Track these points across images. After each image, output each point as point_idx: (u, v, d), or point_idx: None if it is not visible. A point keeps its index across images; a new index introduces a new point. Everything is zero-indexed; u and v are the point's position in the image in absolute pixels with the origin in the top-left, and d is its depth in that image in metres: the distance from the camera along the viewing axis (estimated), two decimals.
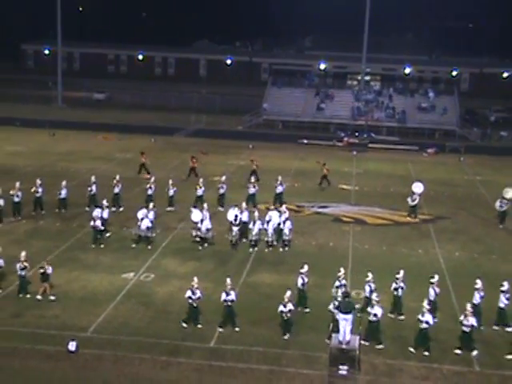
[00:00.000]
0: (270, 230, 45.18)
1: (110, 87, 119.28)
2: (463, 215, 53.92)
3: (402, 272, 34.78)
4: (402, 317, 34.21)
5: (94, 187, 50.24)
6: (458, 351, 31.28)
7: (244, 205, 47.14)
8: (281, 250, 45.04)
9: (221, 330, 32.34)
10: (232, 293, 32.42)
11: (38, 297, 34.72)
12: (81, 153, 65.42)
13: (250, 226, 45.40)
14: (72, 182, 52.58)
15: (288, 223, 45.56)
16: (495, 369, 30.42)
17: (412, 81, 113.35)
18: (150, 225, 44.20)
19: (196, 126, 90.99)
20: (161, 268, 39.23)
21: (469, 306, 31.47)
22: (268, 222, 45.34)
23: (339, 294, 32.39)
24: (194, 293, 32.46)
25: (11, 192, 46.59)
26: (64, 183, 50.18)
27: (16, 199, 46.82)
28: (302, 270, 34.98)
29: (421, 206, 55.18)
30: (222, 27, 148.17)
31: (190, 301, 32.51)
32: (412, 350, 31.26)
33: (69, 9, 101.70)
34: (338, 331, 30.09)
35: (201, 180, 53.86)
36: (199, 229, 44.80)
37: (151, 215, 44.73)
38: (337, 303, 31.52)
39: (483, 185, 62.39)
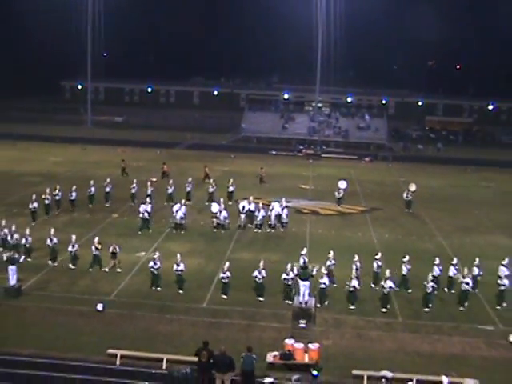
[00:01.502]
0: (273, 217, 46.08)
1: (127, 113, 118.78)
2: (391, 207, 54.16)
3: (379, 254, 35.17)
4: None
5: (92, 189, 49.56)
6: (383, 309, 31.77)
7: (251, 198, 47.53)
8: (281, 230, 45.81)
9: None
10: (227, 273, 32.48)
11: (106, 269, 35.02)
12: (104, 162, 65.33)
13: (256, 213, 46.04)
14: (97, 183, 52.47)
15: (285, 211, 46.72)
16: (413, 319, 31.06)
17: (353, 107, 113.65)
18: (182, 215, 44.34)
19: (191, 141, 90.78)
20: (164, 248, 39.15)
21: (387, 273, 32.00)
22: (271, 211, 46.36)
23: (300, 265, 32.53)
24: (178, 265, 32.93)
25: (54, 192, 46.37)
26: (92, 182, 50.16)
27: (57, 198, 46.50)
28: (302, 252, 34.97)
29: (359, 200, 55.65)
30: (211, 67, 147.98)
31: (179, 273, 32.99)
32: (352, 307, 31.74)
33: (96, 54, 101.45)
34: (299, 294, 30.58)
35: (211, 180, 53.99)
36: (218, 218, 45.14)
37: (183, 209, 44.76)
38: (297, 272, 31.96)
39: (405, 184, 62.55)
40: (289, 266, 32.52)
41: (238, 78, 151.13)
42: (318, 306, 31.51)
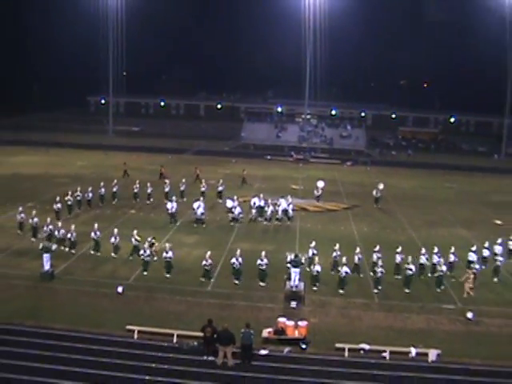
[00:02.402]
0: (280, 211, 46.16)
1: (143, 123, 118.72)
2: (369, 205, 54.03)
3: (378, 246, 34.80)
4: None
5: (114, 188, 49.78)
6: (341, 291, 31.72)
7: (262, 195, 47.78)
8: (288, 223, 45.90)
9: (237, 281, 32.42)
10: (240, 259, 32.52)
11: (155, 258, 34.83)
12: (123, 166, 65.16)
13: (265, 208, 46.35)
14: (124, 183, 52.41)
15: (291, 206, 46.99)
16: (387, 300, 31.13)
17: (336, 119, 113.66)
18: (203, 211, 44.25)
19: (198, 148, 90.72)
20: (176, 239, 39.17)
21: (344, 260, 32.19)
22: (278, 206, 46.45)
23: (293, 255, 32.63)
24: (167, 252, 33.08)
25: (75, 194, 46.15)
26: (115, 181, 50.58)
27: (78, 198, 46.09)
28: (311, 245, 34.77)
29: (342, 198, 55.68)
30: (215, 84, 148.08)
31: (167, 259, 33.03)
32: (341, 291, 31.78)
33: (117, 74, 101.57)
34: (290, 279, 30.64)
35: (221, 181, 53.53)
36: (233, 212, 45.17)
37: (202, 205, 44.67)
38: (289, 260, 32.03)
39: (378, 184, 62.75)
40: (263, 253, 32.72)
41: (238, 94, 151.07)
42: (315, 288, 31.74)
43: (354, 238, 41.67)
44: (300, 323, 25.99)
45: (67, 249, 36.03)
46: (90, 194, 47.27)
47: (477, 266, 33.91)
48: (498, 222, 49.42)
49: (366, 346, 25.25)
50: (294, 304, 29.43)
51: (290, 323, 25.98)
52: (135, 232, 35.95)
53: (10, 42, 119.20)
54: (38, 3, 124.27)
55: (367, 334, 26.61)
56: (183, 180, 53.29)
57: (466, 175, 76.82)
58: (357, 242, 40.00)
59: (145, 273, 33.11)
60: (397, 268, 34.21)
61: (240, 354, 23.94)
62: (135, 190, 50.39)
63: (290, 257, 32.35)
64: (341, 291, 31.83)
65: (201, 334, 24.36)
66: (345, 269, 31.90)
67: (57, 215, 42.08)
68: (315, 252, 34.27)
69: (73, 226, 36.73)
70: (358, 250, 34.85)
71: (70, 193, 45.61)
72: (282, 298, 30.18)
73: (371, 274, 33.95)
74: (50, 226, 37.18)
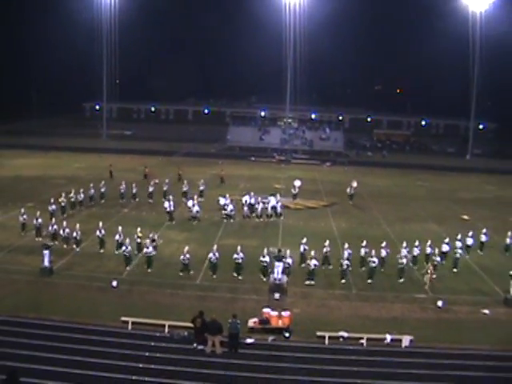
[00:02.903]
0: (269, 208, 46.43)
1: (134, 128, 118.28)
2: (346, 202, 54.15)
3: (365, 242, 34.79)
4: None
5: (103, 189, 49.63)
6: (309, 282, 31.77)
7: (252, 193, 47.66)
8: (280, 218, 46.19)
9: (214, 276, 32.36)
10: (216, 254, 32.45)
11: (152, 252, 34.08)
12: (116, 167, 64.84)
13: (256, 206, 46.48)
14: (111, 184, 52.17)
15: (280, 203, 47.24)
16: (364, 291, 31.32)
17: (316, 122, 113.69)
18: (198, 209, 44.27)
19: (186, 150, 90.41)
20: (166, 236, 39.18)
21: (312, 253, 32.26)
22: (268, 204, 46.63)
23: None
24: (147, 248, 33.08)
25: (69, 195, 45.67)
26: (103, 182, 50.31)
27: (72, 200, 45.49)
28: (302, 241, 34.62)
29: (322, 196, 55.79)
30: (202, 90, 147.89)
31: (148, 254, 32.94)
32: (312, 282, 31.81)
33: (111, 81, 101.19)
34: (273, 272, 30.70)
35: (202, 181, 53.20)
36: (226, 209, 45.16)
37: (196, 205, 44.58)
38: (273, 255, 32.08)
39: (358, 184, 62.91)
40: (239, 247, 32.61)
41: (224, 99, 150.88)
42: (313, 282, 31.74)
43: (333, 234, 41.75)
44: (283, 313, 26.03)
45: (74, 246, 35.83)
46: (82, 195, 46.82)
47: (438, 259, 34.06)
48: (466, 217, 49.83)
49: (345, 334, 25.37)
50: (277, 295, 29.47)
51: (274, 313, 26.01)
52: (138, 230, 35.89)
53: (8, 52, 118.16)
54: (35, 13, 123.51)
55: (346, 323, 26.72)
56: (166, 180, 52.97)
57: (436, 174, 77.35)
58: (336, 237, 40.15)
59: (149, 270, 32.77)
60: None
61: (227, 342, 23.96)
62: (122, 191, 49.94)
63: (271, 251, 32.48)
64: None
65: (190, 325, 24.38)
66: (314, 262, 32.00)
67: (51, 216, 40.88)
68: (306, 248, 34.24)
69: (78, 225, 36.41)
70: (384, 244, 34.76)
71: (63, 194, 45.14)
72: (266, 290, 30.21)
73: (363, 268, 33.99)
74: (55, 226, 36.87)
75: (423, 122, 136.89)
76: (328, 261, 34.22)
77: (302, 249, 34.31)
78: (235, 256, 32.33)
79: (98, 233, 35.77)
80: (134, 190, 50.39)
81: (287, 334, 25.42)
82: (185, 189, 51.63)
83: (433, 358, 24.00)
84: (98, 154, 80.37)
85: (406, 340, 25.02)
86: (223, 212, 45.51)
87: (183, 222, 44.14)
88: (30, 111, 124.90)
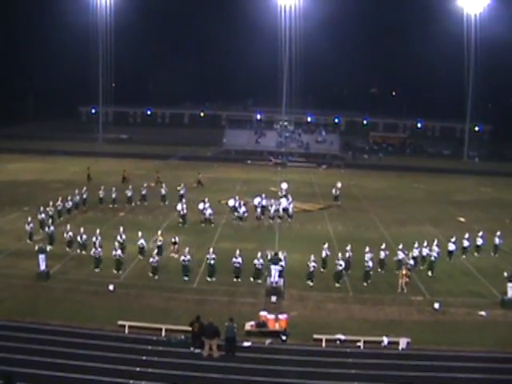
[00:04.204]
0: (281, 210, 46.97)
1: (130, 131, 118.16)
2: (343, 205, 54.14)
3: (368, 248, 34.18)
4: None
5: (101, 192, 49.01)
6: (309, 283, 31.99)
7: (263, 195, 48.29)
8: (289, 220, 46.69)
9: (209, 279, 32.31)
10: (213, 256, 32.41)
11: (173, 255, 34.70)
12: (113, 171, 64.77)
13: (268, 207, 47.12)
14: (107, 188, 52.13)
15: (291, 205, 47.73)
16: (361, 294, 31.32)
17: (312, 125, 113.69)
18: (211, 211, 44.48)
19: (182, 154, 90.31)
20: (164, 239, 39.00)
21: (312, 257, 32.16)
22: (279, 205, 47.20)
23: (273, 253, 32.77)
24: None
25: (56, 203, 44.27)
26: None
27: (58, 208, 43.87)
28: (324, 246, 34.41)
29: (318, 199, 55.74)
30: (198, 94, 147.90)
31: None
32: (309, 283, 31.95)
33: (107, 85, 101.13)
34: (270, 275, 30.68)
35: (182, 184, 52.41)
36: (238, 211, 45.65)
37: (209, 208, 44.82)
38: (269, 258, 32.08)
39: (354, 186, 63.15)
40: (237, 251, 32.57)
41: (220, 103, 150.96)
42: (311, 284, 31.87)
43: (330, 236, 41.72)
44: (280, 316, 26.02)
45: (78, 250, 35.69)
46: (70, 203, 45.64)
47: (411, 262, 33.97)
48: (462, 219, 49.88)
49: (342, 337, 25.35)
50: (274, 299, 29.45)
51: (271, 317, 26.00)
52: (159, 232, 36.01)
53: (4, 56, 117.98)
54: (31, 17, 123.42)
55: (343, 326, 26.69)
56: (144, 184, 52.38)
57: (432, 176, 77.45)
58: (333, 240, 40.15)
59: (186, 277, 32.45)
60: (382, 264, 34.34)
61: (224, 346, 23.92)
62: (100, 196, 49.09)
63: (271, 255, 32.45)
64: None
65: (188, 328, 24.35)
66: (313, 263, 32.06)
67: (41, 225, 39.85)
68: (328, 253, 34.12)
69: (97, 231, 35.88)
70: (383, 246, 34.67)
71: (51, 203, 43.60)
72: (263, 294, 30.20)
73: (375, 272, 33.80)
74: (70, 233, 36.31)
75: (419, 125, 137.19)
76: (349, 265, 33.98)
77: (324, 254, 34.12)
78: (234, 260, 32.32)
79: (94, 238, 35.56)
80: (114, 195, 49.37)
81: (284, 337, 25.39)
82: (163, 192, 51.05)
83: (430, 360, 23.98)
84: (95, 158, 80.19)
85: (403, 342, 25.01)
86: (235, 214, 45.83)
87: (175, 224, 44.10)
88: (26, 115, 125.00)
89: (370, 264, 32.79)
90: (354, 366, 23.38)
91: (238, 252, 32.61)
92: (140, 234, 35.90)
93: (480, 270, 35.82)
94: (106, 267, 33.52)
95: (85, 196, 48.19)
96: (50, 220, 40.18)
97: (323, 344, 24.96)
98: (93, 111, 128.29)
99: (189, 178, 60.56)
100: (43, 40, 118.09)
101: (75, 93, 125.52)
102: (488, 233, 40.83)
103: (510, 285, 30.22)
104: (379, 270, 34.22)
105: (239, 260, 32.31)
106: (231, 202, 47.01)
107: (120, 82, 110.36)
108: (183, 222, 43.96)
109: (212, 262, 32.31)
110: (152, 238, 36.38)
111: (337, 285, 32.20)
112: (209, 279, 32.26)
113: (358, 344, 25.08)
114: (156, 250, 34.73)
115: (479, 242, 39.13)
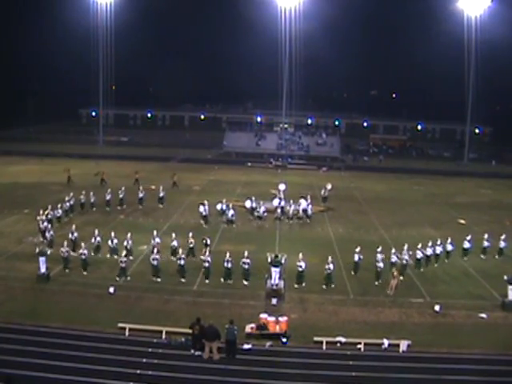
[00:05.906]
0: (301, 211, 47.59)
1: (131, 134, 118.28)
2: (343, 207, 54.27)
3: (380, 247, 34.29)
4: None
5: (108, 195, 48.96)
6: (297, 286, 31.93)
7: (282, 196, 49.42)
8: (308, 221, 47.25)
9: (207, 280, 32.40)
10: (209, 259, 32.44)
11: (201, 257, 33.43)
12: (113, 173, 64.74)
13: (287, 208, 47.79)
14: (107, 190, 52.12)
15: (310, 206, 48.23)
16: (361, 296, 31.30)
17: (312, 127, 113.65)
18: (233, 213, 45.29)
19: (183, 156, 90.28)
20: (162, 242, 38.96)
21: (300, 256, 32.22)
22: (299, 206, 47.88)
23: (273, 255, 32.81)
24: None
25: (46, 212, 42.45)
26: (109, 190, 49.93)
27: (57, 214, 43.20)
28: (356, 250, 34.17)
29: (318, 202, 55.55)
30: (198, 96, 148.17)
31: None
32: (296, 285, 31.88)
33: (107, 87, 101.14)
34: (271, 278, 30.65)
35: (161, 187, 52.20)
36: (258, 211, 46.80)
37: (230, 209, 45.58)
38: (270, 260, 32.06)
39: (355, 189, 63.16)
40: (246, 253, 32.68)
41: (220, 105, 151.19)
42: (296, 286, 31.79)
43: (330, 239, 41.72)
44: (280, 319, 26.01)
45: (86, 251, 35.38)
46: (68, 204, 45.73)
47: (408, 260, 34.41)
48: (462, 221, 49.88)
49: (342, 339, 25.34)
50: (274, 301, 29.43)
51: (271, 319, 25.99)
52: (190, 234, 36.25)
53: (4, 58, 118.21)
54: (31, 20, 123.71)
55: (343, 328, 26.69)
56: (122, 188, 51.45)
57: (432, 178, 77.47)
58: (333, 242, 40.09)
59: (207, 281, 32.44)
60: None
61: (225, 348, 23.91)
62: (107, 198, 49.17)
63: (271, 257, 32.44)
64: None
65: (188, 331, 24.34)
66: (303, 264, 32.04)
67: (40, 229, 39.43)
68: (361, 257, 33.98)
69: (112, 233, 36.15)
70: (379, 249, 34.35)
71: (41, 212, 42.04)
72: (263, 296, 30.18)
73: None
74: (98, 238, 35.99)
75: (419, 127, 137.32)
76: (358, 267, 34.16)
77: (356, 258, 33.99)
78: (243, 260, 32.32)
79: (93, 240, 35.64)
80: (122, 195, 49.76)
81: (284, 340, 25.37)
82: (141, 195, 50.67)
83: (430, 362, 23.97)
84: (95, 160, 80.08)
85: (403, 345, 25.00)
86: (255, 214, 46.82)
87: (176, 227, 43.95)
88: (26, 118, 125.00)
89: (381, 265, 32.85)
90: (355, 368, 23.36)
91: (246, 253, 32.65)
92: (174, 235, 36.23)
93: (480, 272, 35.80)
94: (106, 269, 33.56)
95: (92, 200, 48.30)
96: (50, 225, 39.99)
97: (324, 346, 24.94)
98: (93, 113, 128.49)
99: (193, 181, 60.52)
100: (43, 42, 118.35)
101: (75, 95, 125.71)
102: (489, 235, 40.75)
103: (510, 287, 30.18)
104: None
105: (248, 261, 32.32)
106: (248, 204, 48.24)
107: (120, 85, 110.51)
108: (206, 223, 44.77)
109: (229, 265, 32.19)
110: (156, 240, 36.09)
111: (324, 286, 32.11)
112: (224, 280, 32.30)
113: (359, 346, 25.06)
114: (186, 252, 34.62)
115: (485, 244, 39.07)
